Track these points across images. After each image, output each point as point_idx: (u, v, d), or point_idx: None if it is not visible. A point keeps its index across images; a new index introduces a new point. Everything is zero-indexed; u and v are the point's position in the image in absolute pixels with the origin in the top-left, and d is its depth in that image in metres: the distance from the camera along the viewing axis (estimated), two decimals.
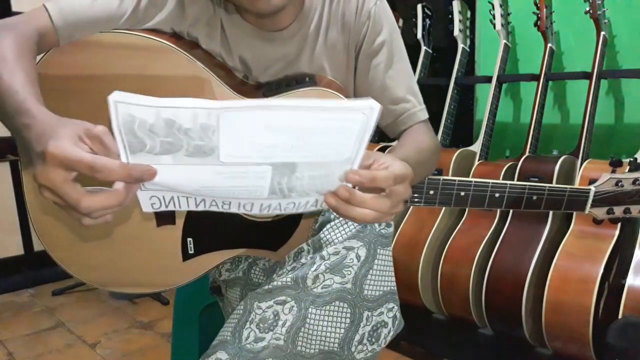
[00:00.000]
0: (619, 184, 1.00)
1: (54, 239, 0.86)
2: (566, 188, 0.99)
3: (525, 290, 1.55)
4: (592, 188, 1.00)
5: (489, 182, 0.94)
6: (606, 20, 1.71)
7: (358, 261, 0.73)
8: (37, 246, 2.47)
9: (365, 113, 0.52)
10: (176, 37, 0.86)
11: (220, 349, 0.71)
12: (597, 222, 1.04)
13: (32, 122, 0.59)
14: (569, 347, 1.49)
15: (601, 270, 1.43)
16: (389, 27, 0.91)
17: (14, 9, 2.27)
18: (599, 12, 1.67)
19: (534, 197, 0.97)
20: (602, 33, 1.68)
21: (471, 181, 0.93)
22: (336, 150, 0.55)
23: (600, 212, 1.01)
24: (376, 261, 0.75)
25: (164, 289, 0.89)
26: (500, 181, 0.95)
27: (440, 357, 1.70)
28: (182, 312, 1.13)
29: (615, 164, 1.06)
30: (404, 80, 0.92)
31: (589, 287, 1.43)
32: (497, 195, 0.95)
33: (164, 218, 0.85)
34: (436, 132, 2.00)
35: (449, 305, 1.77)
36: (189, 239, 0.86)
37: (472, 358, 1.70)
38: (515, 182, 0.97)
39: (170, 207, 0.61)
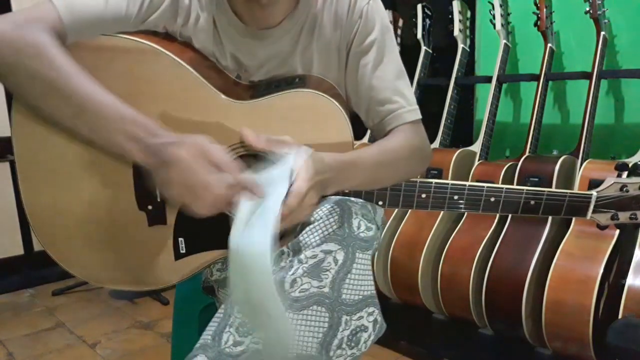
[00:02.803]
0: (624, 189, 0.94)
1: (52, 237, 0.87)
2: (566, 193, 0.93)
3: (525, 290, 1.55)
4: (594, 193, 0.94)
5: (483, 186, 0.90)
6: (606, 20, 1.71)
7: (336, 265, 0.72)
8: (37, 246, 2.47)
9: None
10: (167, 38, 0.86)
11: (201, 352, 0.71)
12: (600, 227, 0.99)
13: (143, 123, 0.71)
14: (569, 347, 1.49)
15: (601, 270, 1.43)
16: (381, 27, 0.90)
17: (14, 9, 2.27)
18: (599, 12, 1.67)
19: (532, 202, 0.91)
20: (602, 33, 1.68)
21: (465, 184, 0.89)
22: None
23: (604, 218, 0.96)
24: (355, 265, 0.73)
25: (158, 287, 0.90)
26: (497, 185, 0.90)
27: (440, 357, 1.70)
28: (182, 312, 1.13)
29: (621, 168, 1.00)
30: (391, 81, 0.90)
31: (589, 287, 1.43)
32: (492, 199, 0.90)
33: (156, 218, 0.86)
34: (436, 132, 2.00)
35: (449, 305, 1.77)
36: (180, 239, 0.86)
37: (472, 358, 1.69)
38: (511, 186, 0.92)
39: None
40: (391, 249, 1.88)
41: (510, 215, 1.70)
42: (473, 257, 1.69)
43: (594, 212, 0.95)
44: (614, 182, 0.95)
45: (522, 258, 1.59)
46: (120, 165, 0.83)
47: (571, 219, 1.56)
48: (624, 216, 0.96)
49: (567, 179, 1.64)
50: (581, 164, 1.59)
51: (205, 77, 0.83)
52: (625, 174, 0.98)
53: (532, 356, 1.61)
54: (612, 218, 0.96)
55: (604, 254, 1.46)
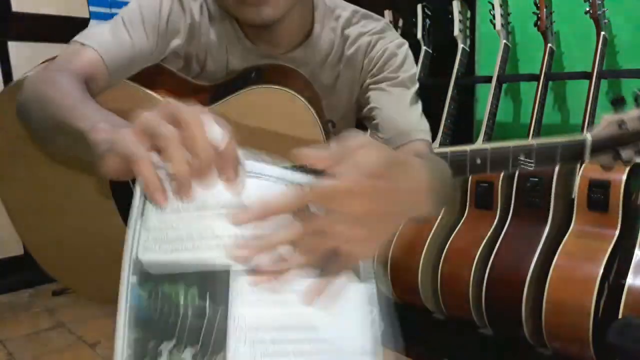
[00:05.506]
0: (623, 125, 0.88)
1: (59, 268, 0.91)
2: (558, 142, 0.89)
3: (525, 290, 1.55)
4: (588, 136, 0.88)
5: (467, 149, 0.85)
6: (606, 20, 1.71)
7: None
8: None
9: None
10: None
11: None
12: (606, 169, 0.93)
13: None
14: (569, 347, 1.49)
15: (601, 270, 1.43)
16: (402, 64, 0.86)
17: (14, 9, 2.27)
18: (599, 12, 1.67)
19: (522, 156, 0.86)
20: (602, 33, 1.68)
21: (447, 151, 0.86)
22: None
23: (606, 160, 0.90)
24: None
25: None
26: (481, 145, 0.86)
27: (440, 357, 1.70)
28: None
29: (617, 103, 0.95)
30: (410, 111, 0.88)
31: (589, 287, 1.43)
32: (478, 161, 0.85)
33: None
34: (436, 132, 2.00)
35: (449, 305, 1.77)
36: None
37: (472, 358, 1.70)
38: (497, 143, 0.87)
39: None
40: (391, 249, 1.88)
41: (510, 215, 1.70)
42: (473, 257, 1.69)
43: (592, 155, 0.89)
44: (610, 121, 0.89)
45: (522, 258, 1.59)
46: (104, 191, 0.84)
47: (572, 218, 1.56)
48: (627, 153, 0.89)
49: (567, 179, 1.64)
50: (581, 164, 1.59)
51: (154, 89, 0.78)
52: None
53: (532, 356, 1.61)
54: (614, 158, 0.90)
55: (604, 254, 1.46)
